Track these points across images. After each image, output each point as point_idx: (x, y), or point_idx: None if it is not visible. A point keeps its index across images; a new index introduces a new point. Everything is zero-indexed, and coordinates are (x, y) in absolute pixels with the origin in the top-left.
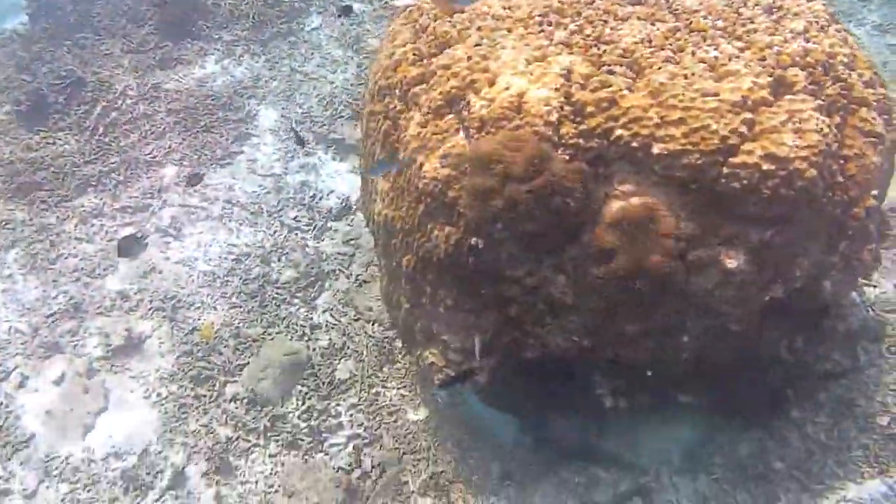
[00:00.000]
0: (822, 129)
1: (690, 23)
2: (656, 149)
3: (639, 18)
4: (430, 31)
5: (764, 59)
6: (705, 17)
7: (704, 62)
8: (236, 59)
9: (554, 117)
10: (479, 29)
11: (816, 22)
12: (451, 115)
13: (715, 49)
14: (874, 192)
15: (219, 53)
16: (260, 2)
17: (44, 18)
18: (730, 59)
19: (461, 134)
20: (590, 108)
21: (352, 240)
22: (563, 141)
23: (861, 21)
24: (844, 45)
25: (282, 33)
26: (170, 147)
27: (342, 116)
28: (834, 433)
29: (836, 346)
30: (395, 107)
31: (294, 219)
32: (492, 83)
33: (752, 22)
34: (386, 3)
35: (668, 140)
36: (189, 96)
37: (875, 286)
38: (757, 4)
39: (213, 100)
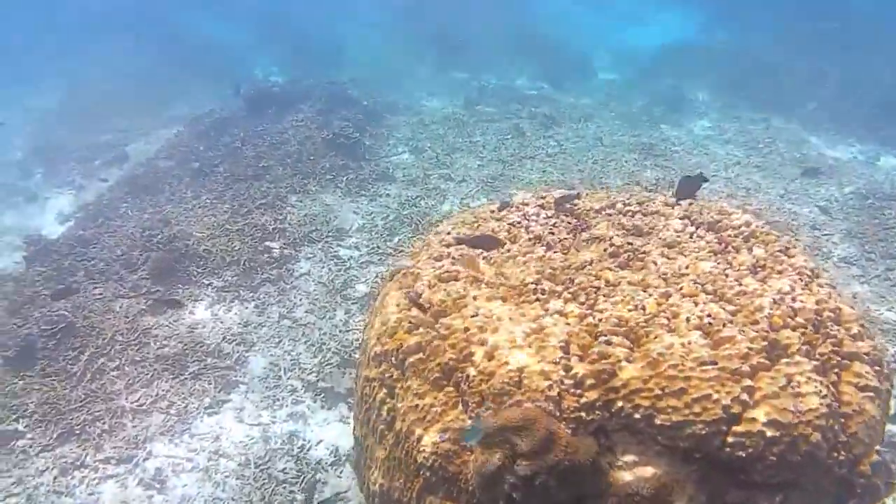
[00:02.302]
0: (821, 391)
1: (681, 287)
2: (658, 420)
3: (629, 284)
4: (425, 299)
5: (756, 322)
6: (695, 282)
7: (699, 329)
8: (226, 306)
9: (555, 392)
10: (474, 298)
11: (800, 279)
12: (449, 388)
13: (708, 315)
14: (877, 448)
15: (209, 299)
16: (250, 248)
17: (39, 261)
18: (724, 325)
19: (461, 407)
20: (589, 381)
21: (341, 493)
22: (566, 415)
23: (828, 255)
24: (829, 299)
25: (271, 279)
26: (157, 395)
27: (331, 364)
28: None
29: None
30: (391, 374)
31: (282, 470)
32: (490, 356)
33: (740, 284)
34: (373, 249)
35: (669, 411)
36: (178, 342)
37: None
38: (742, 264)
39: (202, 346)
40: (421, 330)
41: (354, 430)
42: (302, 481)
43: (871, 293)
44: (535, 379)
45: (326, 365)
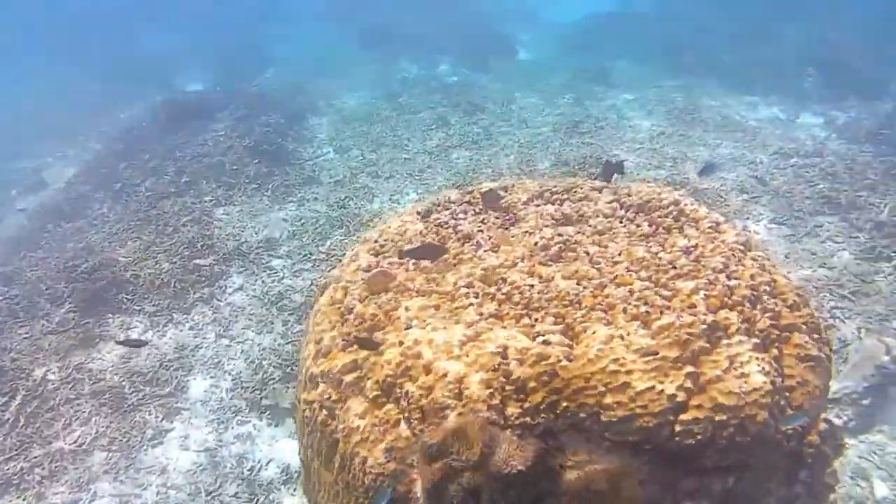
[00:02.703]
0: (764, 368)
1: (615, 277)
2: (605, 417)
3: (563, 278)
4: (357, 314)
5: (693, 305)
6: (629, 269)
7: (637, 319)
8: (160, 331)
9: (497, 399)
10: (406, 309)
11: (733, 255)
12: (389, 405)
13: (644, 303)
14: (823, 416)
15: (142, 326)
16: (179, 269)
17: None
18: (661, 313)
19: (403, 424)
20: (531, 384)
21: None
22: (511, 422)
23: (758, 218)
24: (763, 272)
25: (204, 298)
26: (96, 432)
27: (273, 379)
28: None
29: None
30: (329, 396)
31: (234, 495)
32: (427, 370)
33: (674, 267)
34: (306, 256)
35: (615, 406)
36: (114, 375)
37: None
38: (674, 246)
39: (138, 376)
40: (355, 347)
41: (299, 453)
42: None
43: (802, 251)
44: (475, 388)
45: (269, 381)
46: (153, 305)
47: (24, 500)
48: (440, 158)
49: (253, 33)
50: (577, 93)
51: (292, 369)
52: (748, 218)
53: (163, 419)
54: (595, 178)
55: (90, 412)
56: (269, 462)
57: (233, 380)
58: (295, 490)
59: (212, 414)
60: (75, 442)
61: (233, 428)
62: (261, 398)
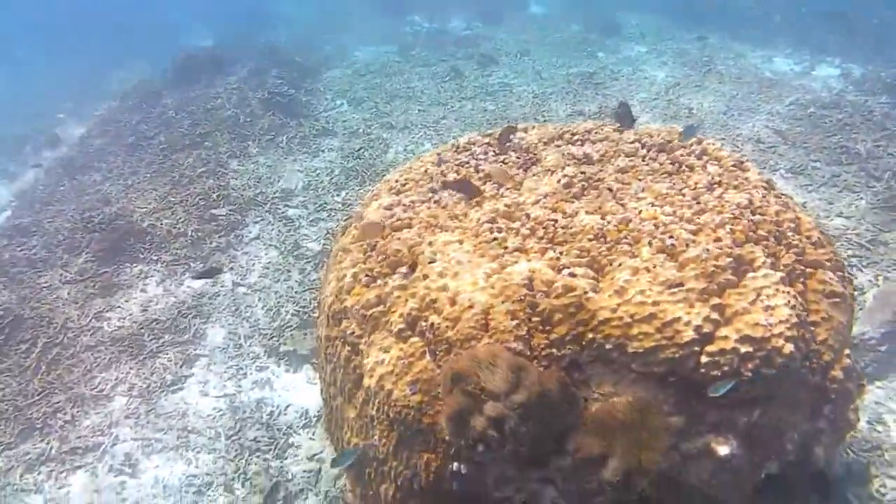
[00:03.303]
0: (790, 301)
1: (640, 212)
2: (631, 348)
3: (587, 213)
4: (379, 249)
5: (719, 239)
6: (652, 204)
7: (663, 251)
8: (177, 279)
9: (523, 331)
10: (430, 244)
11: (757, 192)
12: (414, 338)
13: (670, 236)
14: (847, 351)
15: (159, 275)
16: (196, 218)
17: None
18: (687, 246)
19: (428, 357)
20: (557, 316)
21: (316, 455)
22: (536, 353)
23: (774, 168)
24: (787, 209)
25: (221, 247)
26: (117, 378)
27: (290, 326)
28: None
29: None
30: (352, 331)
31: (254, 440)
32: (453, 301)
33: (698, 202)
34: (321, 206)
35: (641, 338)
36: (133, 322)
37: None
38: (697, 183)
39: (157, 323)
40: (378, 282)
41: (322, 391)
42: (275, 447)
43: (819, 201)
44: (501, 319)
45: (286, 328)
46: (170, 255)
47: (46, 443)
48: (454, 110)
49: None
50: (591, 45)
51: (310, 316)
52: (764, 168)
53: (182, 366)
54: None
55: (110, 359)
56: (287, 407)
57: (250, 327)
58: (314, 434)
59: (230, 360)
60: (96, 388)
61: (251, 374)
62: (279, 345)
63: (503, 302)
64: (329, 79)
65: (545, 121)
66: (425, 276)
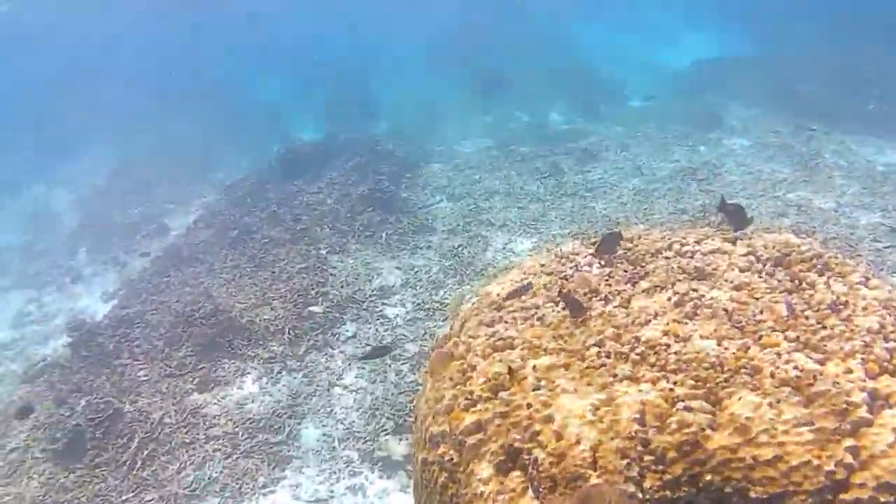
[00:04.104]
0: None
1: (759, 337)
2: (754, 493)
3: (702, 337)
4: (480, 371)
5: (850, 371)
6: (773, 329)
7: (787, 384)
8: (273, 377)
9: (634, 471)
10: (534, 369)
11: (888, 314)
12: (515, 472)
13: (794, 367)
14: None
15: (256, 372)
16: (294, 315)
17: (84, 346)
18: (814, 378)
19: (530, 494)
20: (671, 454)
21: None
22: (649, 496)
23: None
24: None
25: (318, 346)
26: (209, 477)
27: (385, 430)
28: None
29: None
30: (450, 458)
31: None
32: (559, 436)
33: (824, 327)
34: (419, 305)
35: (765, 482)
36: (228, 420)
37: None
38: (821, 303)
39: (252, 422)
40: (479, 407)
41: None
42: None
43: None
44: (610, 458)
45: (381, 431)
46: (267, 352)
47: None
48: (554, 207)
49: (362, 79)
50: (692, 139)
51: (405, 420)
52: (883, 269)
53: (274, 467)
54: (720, 223)
55: (204, 457)
56: None
57: (345, 429)
58: None
59: (323, 464)
60: (189, 486)
61: (344, 479)
62: (373, 449)
63: (612, 438)
64: (429, 173)
65: (646, 219)
66: (528, 406)
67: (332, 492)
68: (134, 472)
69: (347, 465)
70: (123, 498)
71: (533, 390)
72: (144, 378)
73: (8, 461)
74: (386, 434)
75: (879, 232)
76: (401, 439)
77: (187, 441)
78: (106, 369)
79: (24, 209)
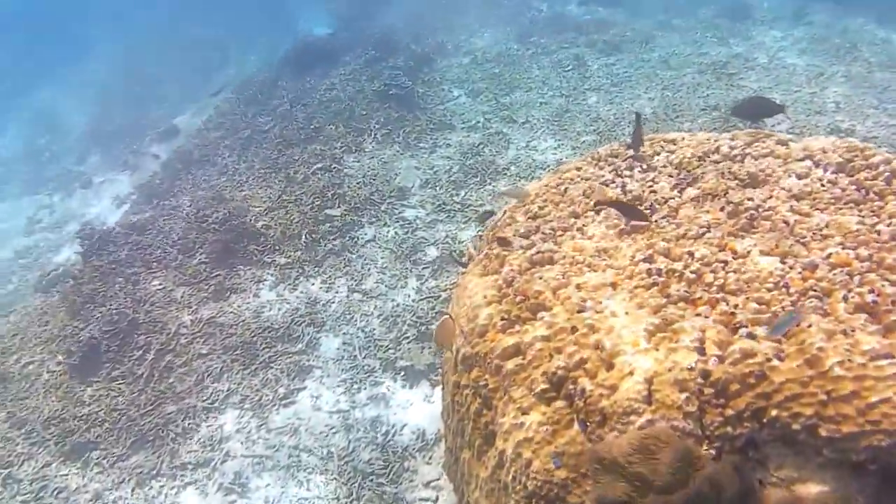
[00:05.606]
0: None
1: (828, 255)
2: (825, 431)
3: (762, 253)
4: (518, 289)
5: None
6: (843, 245)
7: (863, 309)
8: (291, 284)
9: (694, 406)
10: (578, 287)
11: None
12: (560, 402)
13: (871, 290)
14: None
15: (272, 279)
16: (310, 219)
17: (95, 255)
18: (893, 305)
19: (576, 426)
20: (734, 387)
21: (432, 482)
22: (709, 432)
23: None
24: None
25: (335, 250)
26: (228, 389)
27: (407, 338)
28: None
29: None
30: (485, 383)
31: (367, 462)
32: (609, 365)
33: None
34: (439, 206)
35: (839, 420)
36: (245, 329)
37: None
38: (893, 216)
39: (270, 331)
40: (517, 328)
41: (446, 438)
42: (389, 472)
43: None
44: (668, 391)
45: (403, 339)
46: (284, 257)
47: (158, 456)
48: (578, 102)
49: None
50: (721, 30)
51: (427, 328)
52: None
53: (294, 378)
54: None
55: (222, 368)
56: (403, 427)
57: (366, 338)
58: (430, 458)
59: (344, 374)
60: (207, 399)
61: (366, 389)
62: (395, 358)
63: (670, 370)
64: (445, 67)
65: (676, 116)
66: (573, 329)
67: (353, 403)
68: (151, 385)
69: (369, 375)
70: (142, 411)
71: (578, 311)
72: (159, 287)
73: (24, 374)
74: (408, 342)
75: None
76: (423, 348)
77: (204, 352)
78: (119, 279)
79: (32, 115)
